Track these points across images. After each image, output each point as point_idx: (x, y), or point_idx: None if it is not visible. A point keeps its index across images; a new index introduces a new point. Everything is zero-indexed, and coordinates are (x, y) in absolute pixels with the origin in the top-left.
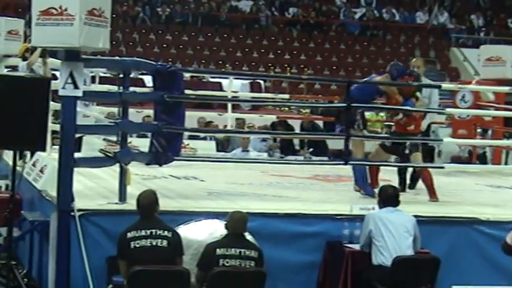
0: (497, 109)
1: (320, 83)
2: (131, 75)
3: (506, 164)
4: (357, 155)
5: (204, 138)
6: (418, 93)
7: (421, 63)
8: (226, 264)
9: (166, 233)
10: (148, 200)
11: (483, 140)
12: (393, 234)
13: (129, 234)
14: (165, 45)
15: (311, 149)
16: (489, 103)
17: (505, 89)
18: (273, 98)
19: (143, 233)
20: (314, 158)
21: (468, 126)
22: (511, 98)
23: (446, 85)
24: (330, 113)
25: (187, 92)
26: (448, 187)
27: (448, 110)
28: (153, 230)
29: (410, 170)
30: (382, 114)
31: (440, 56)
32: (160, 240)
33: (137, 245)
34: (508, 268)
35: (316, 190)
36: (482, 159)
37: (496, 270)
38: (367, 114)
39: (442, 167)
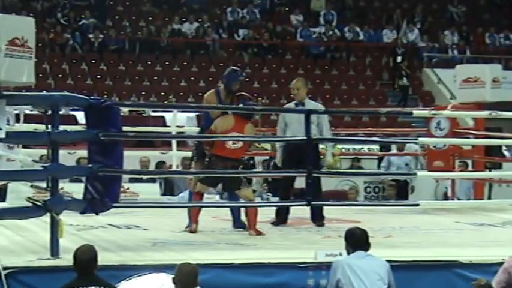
0: (477, 137)
1: (276, 113)
2: (61, 112)
3: (489, 198)
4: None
5: (153, 181)
6: None
7: (301, 84)
8: None
9: None
10: (86, 256)
11: (463, 172)
12: (364, 283)
13: None
14: (99, 77)
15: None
16: (468, 130)
17: (485, 113)
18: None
19: None
20: (273, 198)
21: (445, 157)
22: (492, 124)
23: (418, 112)
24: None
25: (125, 129)
26: (425, 227)
27: (422, 139)
28: (92, 287)
29: None
30: (339, 146)
31: (412, 79)
32: None
33: None
34: None
35: (275, 235)
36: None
37: None
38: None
39: (416, 205)
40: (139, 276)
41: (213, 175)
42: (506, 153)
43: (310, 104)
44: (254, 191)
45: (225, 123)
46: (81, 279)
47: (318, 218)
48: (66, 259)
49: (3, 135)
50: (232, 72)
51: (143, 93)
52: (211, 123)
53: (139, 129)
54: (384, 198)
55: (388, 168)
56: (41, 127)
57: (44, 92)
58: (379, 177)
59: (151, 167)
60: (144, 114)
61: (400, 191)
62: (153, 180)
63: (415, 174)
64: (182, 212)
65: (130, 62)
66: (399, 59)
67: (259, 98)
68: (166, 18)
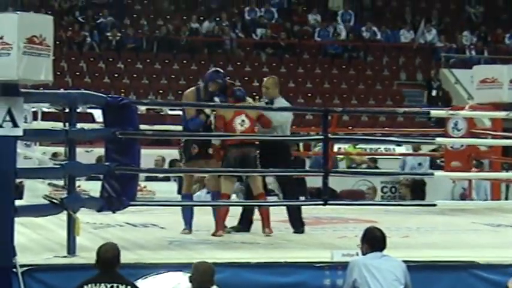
0: (494, 137)
1: (294, 112)
2: (78, 110)
3: (506, 199)
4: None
5: (168, 179)
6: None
7: (271, 83)
8: None
9: None
10: (110, 254)
11: (480, 172)
12: (381, 283)
13: (85, 287)
14: (116, 75)
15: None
16: (485, 130)
17: (502, 114)
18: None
19: (102, 286)
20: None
21: (462, 157)
22: (509, 124)
23: (436, 112)
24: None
25: (142, 127)
26: (442, 227)
27: (439, 139)
28: (114, 284)
29: None
30: (363, 146)
31: (428, 79)
32: None
33: None
34: None
35: (291, 235)
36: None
37: None
38: (346, 146)
39: (433, 205)
40: (156, 274)
41: (230, 171)
42: None
43: (277, 103)
44: (271, 191)
45: (226, 113)
46: (103, 275)
47: (294, 223)
48: (83, 257)
49: (20, 133)
50: (213, 73)
51: (160, 91)
52: (186, 122)
53: (156, 128)
54: (401, 199)
55: (403, 169)
56: (58, 125)
57: (62, 90)
58: (396, 177)
59: (165, 166)
60: (161, 113)
61: (416, 191)
62: (167, 179)
63: (432, 174)
64: (198, 210)
65: (148, 60)
66: (434, 92)
67: None
68: (184, 17)
